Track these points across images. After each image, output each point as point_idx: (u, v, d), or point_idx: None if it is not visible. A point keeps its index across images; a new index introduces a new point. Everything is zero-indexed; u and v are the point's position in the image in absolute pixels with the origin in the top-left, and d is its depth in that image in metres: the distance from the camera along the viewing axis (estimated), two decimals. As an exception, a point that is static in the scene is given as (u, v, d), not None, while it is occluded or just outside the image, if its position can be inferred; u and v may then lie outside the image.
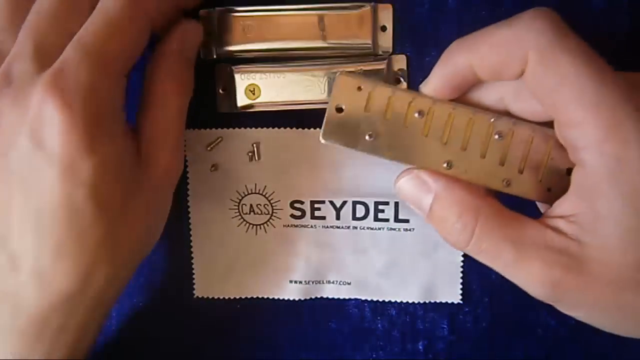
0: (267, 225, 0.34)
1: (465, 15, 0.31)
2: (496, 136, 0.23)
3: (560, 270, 0.20)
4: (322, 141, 0.24)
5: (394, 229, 0.33)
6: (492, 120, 0.23)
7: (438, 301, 0.34)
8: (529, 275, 0.21)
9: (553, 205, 0.21)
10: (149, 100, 0.27)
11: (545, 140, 0.23)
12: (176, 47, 0.27)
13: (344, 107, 0.24)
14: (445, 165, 0.23)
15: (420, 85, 0.24)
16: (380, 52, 0.32)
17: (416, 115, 0.23)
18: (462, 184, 0.23)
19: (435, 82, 0.23)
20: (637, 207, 0.18)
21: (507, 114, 0.23)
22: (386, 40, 0.31)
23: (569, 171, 0.22)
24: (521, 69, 0.20)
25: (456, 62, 0.22)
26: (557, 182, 0.23)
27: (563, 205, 0.21)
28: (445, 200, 0.23)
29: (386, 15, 0.31)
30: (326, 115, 0.24)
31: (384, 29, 0.31)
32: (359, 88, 0.24)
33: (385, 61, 0.32)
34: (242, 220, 0.34)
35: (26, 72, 0.23)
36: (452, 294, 0.34)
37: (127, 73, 0.25)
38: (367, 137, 0.24)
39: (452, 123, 0.23)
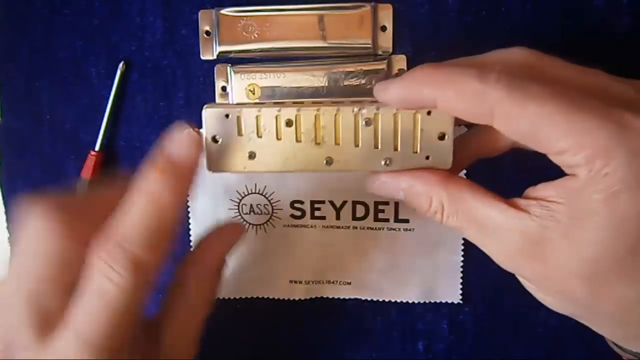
0: (267, 225, 0.34)
1: (465, 15, 0.31)
2: (363, 123, 0.24)
3: (514, 248, 0.21)
4: (212, 172, 0.25)
5: (394, 229, 0.33)
6: (356, 110, 0.24)
7: (438, 301, 0.34)
8: (489, 250, 0.23)
9: (538, 186, 0.22)
10: (177, 306, 0.26)
11: (411, 115, 0.24)
12: (208, 260, 0.27)
13: (218, 137, 0.25)
14: (325, 163, 0.25)
15: (377, 89, 0.24)
16: (380, 52, 0.32)
17: (285, 126, 0.24)
18: (423, 178, 0.24)
19: (393, 97, 0.24)
20: (613, 218, 0.20)
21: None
22: (386, 40, 0.31)
23: (441, 135, 0.24)
24: (485, 120, 0.21)
25: (421, 90, 0.22)
26: (433, 148, 0.24)
27: (546, 190, 0.22)
28: (412, 195, 0.24)
29: (386, 15, 0.31)
30: (205, 148, 0.25)
31: (384, 29, 0.31)
32: (227, 115, 0.24)
33: (385, 61, 0.32)
34: (242, 220, 0.34)
35: (24, 343, 0.22)
36: (452, 294, 0.34)
37: (133, 337, 0.24)
38: (248, 159, 0.25)
39: (320, 123, 0.24)
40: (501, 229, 0.22)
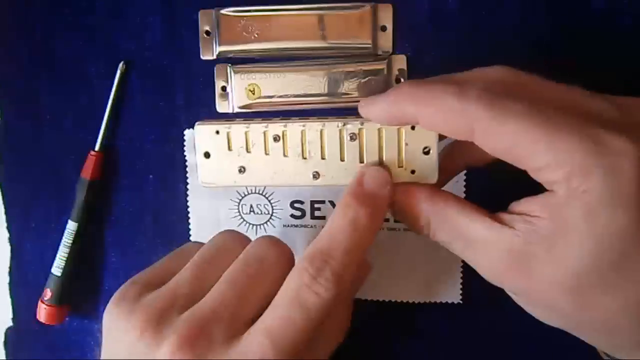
0: (267, 225, 0.34)
1: (465, 15, 0.31)
2: (348, 138, 0.25)
3: (499, 263, 0.22)
4: (204, 185, 0.26)
5: (394, 229, 0.33)
6: (341, 125, 0.25)
7: (438, 301, 0.34)
8: (474, 263, 0.23)
9: (521, 200, 0.23)
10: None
11: (395, 131, 0.25)
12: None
13: (210, 152, 0.26)
14: (312, 177, 0.25)
15: (361, 106, 0.25)
16: (380, 52, 0.32)
17: (273, 141, 0.25)
18: (410, 193, 0.24)
19: (377, 114, 0.24)
20: (594, 233, 0.20)
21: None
22: (386, 40, 0.31)
23: (426, 150, 0.24)
24: (465, 136, 0.22)
25: (404, 107, 0.23)
26: (419, 163, 0.25)
27: (529, 205, 0.22)
28: (400, 211, 0.25)
29: (386, 15, 0.31)
30: (197, 163, 0.26)
31: (384, 29, 0.31)
32: (217, 132, 0.26)
33: (385, 61, 0.32)
34: (242, 220, 0.34)
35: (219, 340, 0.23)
36: (452, 294, 0.34)
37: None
38: (238, 173, 0.26)
39: (306, 138, 0.25)
40: (487, 244, 0.22)
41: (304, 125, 0.25)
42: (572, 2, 0.31)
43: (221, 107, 0.32)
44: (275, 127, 0.25)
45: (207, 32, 0.32)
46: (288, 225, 0.34)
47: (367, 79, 0.32)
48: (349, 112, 0.32)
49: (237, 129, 0.25)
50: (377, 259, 0.34)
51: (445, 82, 0.23)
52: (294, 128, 0.25)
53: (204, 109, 0.32)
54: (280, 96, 0.32)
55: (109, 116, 0.33)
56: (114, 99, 0.33)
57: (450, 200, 0.24)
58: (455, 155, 0.27)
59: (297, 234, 0.34)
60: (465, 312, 0.34)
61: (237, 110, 0.32)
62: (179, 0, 0.32)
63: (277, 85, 0.32)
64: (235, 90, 0.32)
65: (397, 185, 0.25)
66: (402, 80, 0.32)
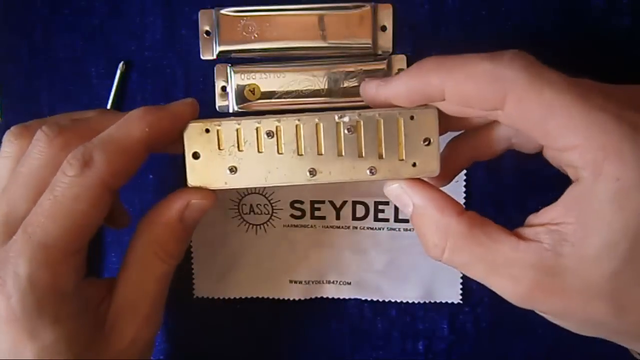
0: (267, 225, 0.34)
1: (465, 15, 0.31)
2: (346, 131, 0.24)
3: (530, 284, 0.20)
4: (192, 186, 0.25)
5: (394, 229, 0.33)
6: (337, 118, 0.24)
7: (438, 301, 0.34)
8: (500, 288, 0.21)
9: (539, 211, 0.21)
10: (127, 261, 0.25)
11: (394, 121, 0.23)
12: (174, 215, 0.25)
13: (199, 152, 0.24)
14: (309, 174, 0.24)
15: (377, 84, 0.24)
16: (380, 52, 0.32)
17: (266, 137, 0.24)
18: (437, 201, 0.23)
19: (399, 90, 0.23)
20: (628, 224, 0.19)
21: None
22: (386, 40, 0.31)
23: (426, 141, 0.23)
24: (495, 104, 0.20)
25: (429, 80, 0.22)
26: (419, 155, 0.24)
27: (550, 213, 0.20)
28: (420, 216, 0.23)
29: (386, 15, 0.31)
30: (186, 164, 0.25)
31: (384, 29, 0.31)
32: (207, 130, 0.24)
33: (385, 61, 0.32)
34: (242, 220, 0.34)
35: None
36: (452, 294, 0.34)
37: (79, 250, 0.23)
38: (229, 173, 0.24)
39: (302, 133, 0.24)
40: (513, 265, 0.20)
41: (298, 120, 0.24)
42: (572, 1, 0.31)
43: (221, 107, 0.32)
44: (269, 123, 0.24)
45: (207, 32, 0.32)
46: (288, 225, 0.34)
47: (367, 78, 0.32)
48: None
49: (228, 126, 0.24)
50: (377, 259, 0.34)
51: (471, 54, 0.21)
52: (288, 123, 0.24)
53: (204, 109, 0.32)
54: (280, 96, 0.32)
55: (109, 116, 0.33)
56: (114, 99, 0.33)
57: (474, 219, 0.22)
58: (460, 149, 0.26)
59: (297, 234, 0.34)
60: (465, 312, 0.34)
61: (237, 110, 0.32)
62: (179, 0, 0.32)
63: (277, 85, 0.32)
64: (235, 90, 0.32)
65: (427, 187, 0.23)
66: (402, 80, 0.32)
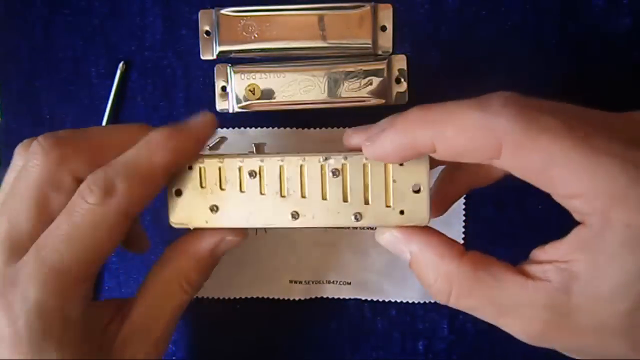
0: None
1: (465, 15, 0.31)
2: (330, 174, 0.23)
3: (542, 324, 0.20)
4: (175, 226, 0.24)
5: (394, 229, 0.33)
6: (322, 160, 0.23)
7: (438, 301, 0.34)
8: (512, 329, 0.21)
9: (545, 247, 0.20)
10: (148, 285, 0.25)
11: (382, 166, 0.23)
12: (206, 249, 0.25)
13: (182, 189, 0.24)
14: (291, 217, 0.23)
15: (363, 142, 0.22)
16: (380, 52, 0.32)
17: (248, 177, 0.23)
18: (435, 247, 0.22)
19: (386, 150, 0.21)
20: (637, 262, 0.18)
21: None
22: (386, 40, 0.31)
23: (416, 188, 0.22)
24: (491, 155, 0.19)
25: (415, 135, 0.20)
26: (408, 202, 0.23)
27: (558, 250, 0.20)
28: (419, 263, 0.22)
29: (386, 15, 0.31)
30: (169, 202, 0.24)
31: (384, 29, 0.31)
32: (190, 167, 0.24)
33: (385, 61, 0.32)
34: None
35: None
36: (452, 294, 0.33)
37: (90, 277, 0.23)
38: (210, 212, 0.24)
39: (285, 174, 0.23)
40: (523, 306, 0.20)
41: (282, 160, 0.23)
42: (572, 1, 0.31)
43: (221, 107, 0.32)
44: (252, 163, 0.23)
45: (207, 32, 0.32)
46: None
47: (367, 79, 0.32)
48: (349, 112, 0.32)
49: (211, 164, 0.24)
50: (377, 259, 0.34)
51: (458, 101, 0.20)
52: (271, 163, 0.23)
53: (204, 109, 0.32)
54: (280, 96, 0.32)
55: (109, 116, 0.33)
56: (114, 99, 0.33)
57: (479, 261, 0.21)
58: (457, 178, 0.25)
59: (297, 234, 0.34)
60: (465, 312, 0.34)
61: (237, 110, 0.32)
62: (179, 0, 0.32)
63: (277, 85, 0.32)
64: (235, 90, 0.32)
65: (424, 231, 0.22)
66: (402, 80, 0.32)
